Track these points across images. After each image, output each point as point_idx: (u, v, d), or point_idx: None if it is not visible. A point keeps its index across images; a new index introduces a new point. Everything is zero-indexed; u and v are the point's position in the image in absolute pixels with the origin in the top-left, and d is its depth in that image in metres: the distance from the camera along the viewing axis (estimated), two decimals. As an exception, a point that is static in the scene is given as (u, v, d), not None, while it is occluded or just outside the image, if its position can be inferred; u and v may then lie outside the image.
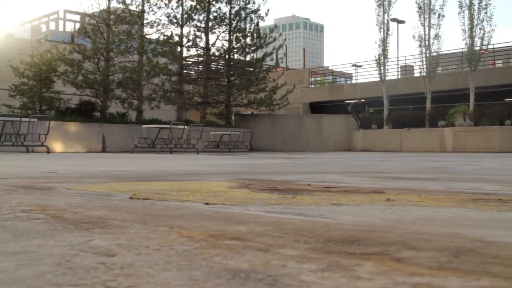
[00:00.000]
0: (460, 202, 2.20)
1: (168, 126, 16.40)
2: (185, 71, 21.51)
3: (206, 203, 2.07)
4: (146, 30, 20.15)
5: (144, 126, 16.76)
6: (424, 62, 21.27)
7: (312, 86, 30.02)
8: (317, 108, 26.82)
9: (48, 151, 13.71)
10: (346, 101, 25.54)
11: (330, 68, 33.84)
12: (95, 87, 18.15)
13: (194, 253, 1.08)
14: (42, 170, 4.86)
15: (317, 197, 2.39)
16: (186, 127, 16.59)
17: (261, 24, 22.58)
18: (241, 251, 1.11)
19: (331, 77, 31.45)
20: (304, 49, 30.46)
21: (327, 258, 1.04)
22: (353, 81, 29.41)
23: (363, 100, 24.35)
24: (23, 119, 13.41)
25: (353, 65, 29.07)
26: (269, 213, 1.78)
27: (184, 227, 1.45)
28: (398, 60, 26.19)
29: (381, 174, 4.80)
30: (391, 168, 6.14)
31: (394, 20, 28.07)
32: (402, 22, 28.44)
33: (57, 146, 15.98)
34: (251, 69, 21.58)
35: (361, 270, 0.94)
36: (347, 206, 2.00)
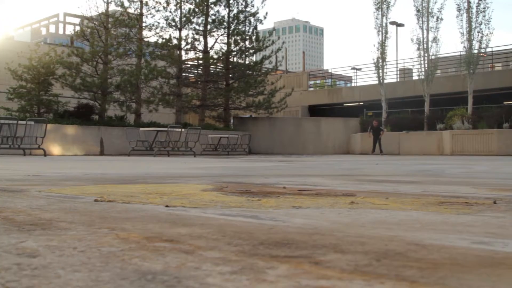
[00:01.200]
0: (423, 205, 2.19)
1: (166, 129, 16.42)
2: (183, 74, 21.54)
3: (167, 206, 2.07)
4: (145, 33, 20.23)
5: (141, 129, 16.78)
6: (423, 65, 21.26)
7: (312, 89, 30.03)
8: (316, 111, 26.82)
9: (45, 154, 13.74)
10: (345, 104, 25.53)
11: (329, 71, 33.78)
12: (93, 90, 18.20)
13: (117, 255, 1.08)
14: (28, 172, 4.87)
15: (283, 200, 2.38)
16: (183, 130, 16.61)
17: (260, 27, 22.66)
18: (164, 253, 1.10)
19: (330, 80, 31.45)
20: (303, 52, 30.47)
21: (246, 261, 1.03)
22: (353, 84, 29.39)
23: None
24: (20, 122, 13.45)
25: (352, 68, 29.06)
26: (223, 215, 1.78)
27: (126, 229, 1.45)
28: (397, 63, 26.19)
29: (366, 177, 4.79)
30: (379, 171, 6.12)
31: (393, 23, 28.07)
32: (401, 25, 28.43)
33: (55, 149, 16.02)
34: (250, 72, 21.61)
35: (271, 273, 0.93)
36: (307, 209, 2.00)
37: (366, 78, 28.93)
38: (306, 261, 1.03)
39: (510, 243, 1.28)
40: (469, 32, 19.76)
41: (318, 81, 33.73)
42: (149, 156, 15.00)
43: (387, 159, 12.61)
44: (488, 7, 19.65)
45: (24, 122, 13.38)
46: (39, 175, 4.50)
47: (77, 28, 20.06)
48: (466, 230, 1.51)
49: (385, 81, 22.84)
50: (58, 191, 2.81)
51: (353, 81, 29.45)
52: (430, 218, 1.76)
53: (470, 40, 19.77)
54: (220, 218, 1.70)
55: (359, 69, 27.90)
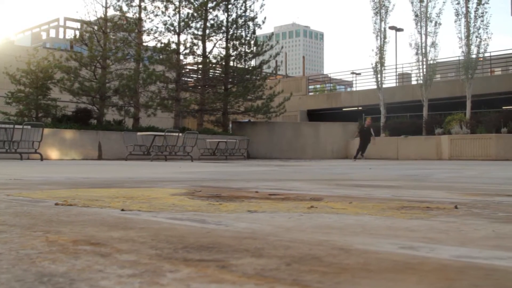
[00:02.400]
0: (382, 210, 2.19)
1: (163, 133, 16.45)
2: (182, 78, 21.59)
3: (122, 210, 2.07)
4: (143, 37, 20.29)
5: (138, 133, 16.80)
6: (421, 70, 21.25)
7: (312, 93, 30.05)
8: (314, 115, 26.82)
9: (42, 158, 13.78)
10: (344, 109, 25.53)
11: (329, 75, 33.80)
12: (92, 94, 18.25)
13: (31, 257, 1.09)
14: (12, 177, 4.88)
15: (245, 204, 2.38)
16: (180, 134, 16.63)
17: (260, 32, 22.77)
18: (79, 256, 1.11)
19: (330, 85, 31.45)
20: (303, 57, 30.51)
21: (155, 264, 1.04)
22: (353, 89, 29.39)
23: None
24: (16, 126, 13.50)
25: (352, 73, 29.07)
26: (171, 219, 1.78)
27: (62, 232, 1.45)
28: (396, 68, 26.18)
29: (349, 182, 4.78)
30: (366, 176, 6.12)
31: (392, 28, 28.09)
32: (400, 30, 28.45)
33: (53, 153, 16.05)
34: (248, 76, 21.65)
35: (169, 276, 0.93)
36: (261, 213, 2.00)
37: (366, 82, 28.93)
38: (214, 265, 1.03)
39: (437, 248, 1.27)
40: (467, 37, 19.75)
41: (318, 86, 33.74)
42: (146, 161, 15.01)
43: (383, 164, 12.57)
44: (486, 12, 19.66)
45: (20, 126, 13.42)
46: (22, 179, 4.51)
47: (77, 32, 20.12)
48: (406, 235, 1.50)
49: (384, 85, 22.84)
50: (27, 195, 2.82)
51: (353, 85, 29.45)
52: (378, 223, 1.76)
53: (468, 45, 19.76)
54: (165, 222, 1.70)
55: (359, 74, 27.92)
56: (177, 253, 1.16)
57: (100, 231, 1.48)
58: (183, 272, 0.97)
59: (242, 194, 3.00)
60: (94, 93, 18.23)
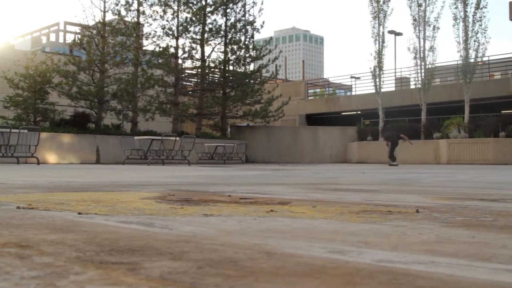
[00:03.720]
0: (341, 214, 2.18)
1: (160, 137, 16.46)
2: (181, 82, 21.63)
3: (79, 213, 2.07)
4: (142, 41, 20.35)
5: (136, 137, 16.82)
6: (419, 74, 21.24)
7: (311, 98, 30.05)
8: (313, 120, 26.82)
9: (38, 162, 13.80)
10: (342, 113, 25.53)
11: (329, 80, 33.81)
12: (90, 98, 18.29)
13: None
14: (-4, 180, 4.90)
15: (208, 208, 2.38)
16: (177, 138, 16.64)
17: (259, 36, 22.77)
18: (-3, 259, 1.11)
19: (330, 89, 31.45)
20: (303, 61, 30.51)
21: (66, 266, 1.04)
22: (353, 93, 29.40)
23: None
24: (13, 130, 13.53)
25: (351, 77, 29.07)
26: (120, 223, 1.78)
27: (1, 234, 1.45)
28: (395, 72, 26.17)
29: (332, 186, 4.77)
30: (354, 181, 6.11)
31: (391, 32, 28.10)
32: (399, 34, 28.45)
33: (51, 158, 16.07)
34: (247, 80, 21.67)
35: (71, 278, 0.94)
36: (215, 217, 2.00)
37: (366, 86, 28.93)
38: (124, 268, 1.03)
39: (366, 253, 1.27)
40: (466, 41, 19.75)
41: (318, 90, 33.76)
42: (143, 165, 15.01)
43: (378, 168, 12.56)
44: (484, 16, 19.65)
45: (17, 130, 13.45)
46: (4, 183, 4.53)
47: (78, 36, 20.20)
48: (345, 239, 1.50)
49: (384, 89, 22.85)
50: (-3, 198, 2.83)
51: (352, 90, 29.45)
52: (326, 227, 1.76)
53: (466, 49, 19.75)
54: (112, 225, 1.71)
55: (358, 78, 27.91)
56: (98, 256, 1.16)
57: (39, 234, 1.48)
58: (88, 274, 0.97)
59: (213, 198, 3.00)
60: (92, 97, 18.27)
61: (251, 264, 1.10)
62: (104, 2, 18.81)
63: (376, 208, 2.44)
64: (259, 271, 1.02)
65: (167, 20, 20.19)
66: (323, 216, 2.07)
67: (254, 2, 21.76)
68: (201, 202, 2.70)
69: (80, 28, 20.08)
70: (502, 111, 20.65)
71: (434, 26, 20.81)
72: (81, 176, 6.42)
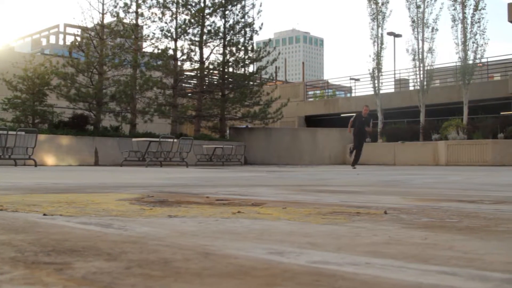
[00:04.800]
0: (309, 215, 2.19)
1: (158, 139, 16.48)
2: (179, 84, 21.66)
3: (45, 214, 2.08)
4: (140, 43, 20.39)
5: (133, 139, 16.84)
6: (418, 76, 21.22)
7: (311, 99, 30.05)
8: (312, 121, 26.81)
9: (36, 164, 13.82)
10: (342, 115, 25.51)
11: (328, 81, 33.82)
12: (88, 100, 18.34)
13: None
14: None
15: (178, 209, 2.39)
16: (175, 140, 16.65)
17: (259, 38, 22.86)
18: None
19: (330, 91, 31.46)
20: (303, 63, 30.55)
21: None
22: (352, 95, 29.38)
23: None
24: (10, 132, 13.57)
25: (351, 79, 29.09)
26: (78, 224, 1.79)
27: (-51, 237, 1.46)
28: (394, 74, 26.16)
29: (318, 187, 4.77)
30: (343, 182, 6.11)
31: (390, 33, 28.09)
32: (398, 36, 28.45)
33: (49, 159, 16.10)
34: (246, 82, 21.69)
35: (-11, 279, 0.94)
36: (178, 218, 2.00)
37: (365, 88, 28.89)
38: (52, 268, 1.04)
39: (306, 254, 1.27)
40: (464, 42, 19.72)
41: (318, 92, 33.75)
42: (141, 167, 15.03)
43: (375, 169, 12.53)
44: (483, 18, 19.63)
45: (14, 132, 13.48)
46: (-10, 184, 4.55)
47: (77, 39, 20.25)
48: (294, 240, 1.50)
49: (383, 91, 22.83)
50: (-27, 200, 2.84)
51: (352, 91, 29.43)
52: (284, 228, 1.76)
53: (465, 51, 19.72)
54: (68, 226, 1.72)
55: (357, 80, 27.92)
56: (36, 256, 1.17)
57: (-11, 236, 1.49)
58: (12, 274, 0.98)
59: (190, 199, 3.01)
60: (91, 99, 18.32)
61: (181, 265, 1.10)
62: (103, 4, 18.87)
63: (347, 209, 2.45)
64: (185, 272, 1.03)
65: (166, 22, 20.25)
66: (287, 217, 2.08)
67: (253, 4, 21.85)
68: (175, 203, 2.71)
69: (79, 30, 20.14)
70: (501, 113, 20.60)
71: (433, 28, 20.80)
72: (71, 178, 6.44)
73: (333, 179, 7.07)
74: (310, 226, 1.82)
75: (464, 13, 19.88)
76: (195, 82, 23.03)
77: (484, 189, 4.72)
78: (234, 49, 21.38)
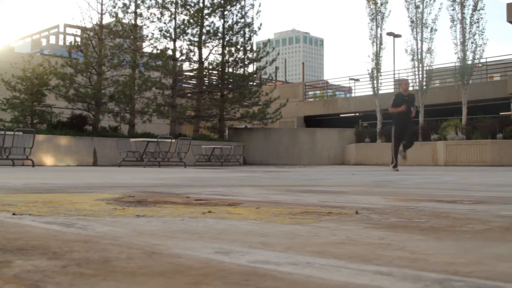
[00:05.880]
0: (276, 215, 2.19)
1: (156, 139, 16.50)
2: (178, 84, 21.68)
3: (14, 214, 2.10)
4: (139, 44, 20.42)
5: (131, 139, 16.87)
6: (417, 76, 21.20)
7: (311, 99, 30.04)
8: (311, 121, 26.81)
9: (33, 165, 13.84)
10: (341, 115, 25.50)
11: (328, 81, 33.79)
12: (87, 100, 18.38)
13: None
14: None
15: (150, 209, 2.40)
16: (173, 140, 16.67)
17: (258, 38, 22.87)
18: None
19: (330, 91, 31.43)
20: (303, 63, 30.56)
21: None
22: (352, 95, 29.35)
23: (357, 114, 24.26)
24: (8, 132, 13.60)
25: (350, 79, 29.06)
26: (43, 223, 1.80)
27: None
28: (394, 74, 26.12)
29: (305, 187, 4.78)
30: (334, 182, 6.11)
31: (390, 34, 28.07)
32: (398, 36, 28.42)
33: (48, 160, 16.14)
34: (245, 82, 21.70)
35: None
36: (145, 218, 2.01)
37: (364, 88, 28.87)
38: (-12, 268, 1.05)
39: (252, 253, 1.28)
40: (463, 43, 19.68)
41: (318, 92, 33.73)
42: (139, 167, 15.05)
43: (371, 170, 12.51)
44: (482, 18, 19.58)
45: (12, 132, 13.51)
46: (-22, 184, 4.56)
47: (77, 39, 20.31)
48: (250, 239, 1.51)
49: (383, 91, 22.80)
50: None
51: (352, 91, 29.41)
52: (247, 228, 1.76)
53: (464, 51, 19.68)
54: (32, 226, 1.73)
55: (357, 80, 27.89)
56: (-21, 256, 1.18)
57: None
58: None
59: (169, 199, 3.02)
60: (90, 99, 18.36)
61: (120, 264, 1.11)
62: (102, 4, 18.92)
63: (320, 209, 2.45)
64: (120, 271, 1.04)
65: (165, 22, 20.27)
66: (255, 217, 2.08)
67: (252, 4, 21.84)
68: (152, 203, 2.72)
69: (78, 30, 20.19)
70: (500, 113, 20.56)
71: (432, 28, 20.77)
72: (62, 178, 6.45)
73: (326, 179, 7.07)
74: (273, 226, 1.83)
75: (463, 13, 19.85)
76: (194, 82, 23.06)
77: (472, 189, 4.71)
78: (233, 49, 21.40)
